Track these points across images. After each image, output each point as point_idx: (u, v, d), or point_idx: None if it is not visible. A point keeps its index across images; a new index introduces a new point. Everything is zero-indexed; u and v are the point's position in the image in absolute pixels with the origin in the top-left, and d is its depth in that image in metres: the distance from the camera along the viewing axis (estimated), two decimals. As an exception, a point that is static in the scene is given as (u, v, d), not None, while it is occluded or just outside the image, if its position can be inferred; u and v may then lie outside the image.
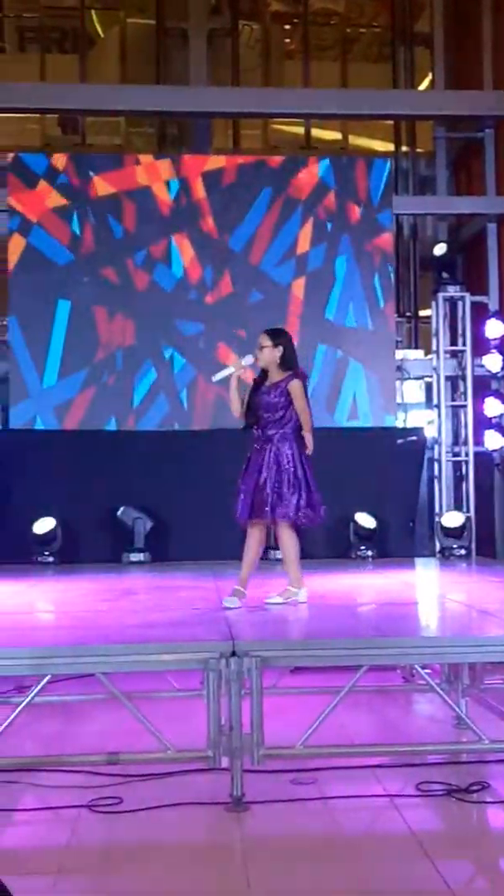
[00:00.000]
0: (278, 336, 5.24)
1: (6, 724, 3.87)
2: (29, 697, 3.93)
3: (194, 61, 10.77)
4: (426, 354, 9.91)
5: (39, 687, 3.89)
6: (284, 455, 5.11)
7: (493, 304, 9.75)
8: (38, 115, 11.10)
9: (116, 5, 11.64)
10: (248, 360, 5.21)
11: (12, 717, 3.88)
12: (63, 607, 5.52)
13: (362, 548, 8.44)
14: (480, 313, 9.53)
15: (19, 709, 3.91)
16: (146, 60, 11.23)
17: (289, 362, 5.21)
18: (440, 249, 9.30)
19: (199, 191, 9.31)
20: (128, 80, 11.35)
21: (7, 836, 3.68)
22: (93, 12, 11.69)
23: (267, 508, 5.08)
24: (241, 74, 11.25)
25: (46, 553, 8.20)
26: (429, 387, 9.73)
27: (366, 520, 8.48)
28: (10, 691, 5.23)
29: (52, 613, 5.34)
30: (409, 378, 9.77)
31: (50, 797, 3.89)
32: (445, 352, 9.37)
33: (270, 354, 5.17)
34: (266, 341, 5.20)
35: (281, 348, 5.18)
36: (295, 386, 5.14)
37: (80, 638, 4.17)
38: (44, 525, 8.20)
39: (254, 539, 5.23)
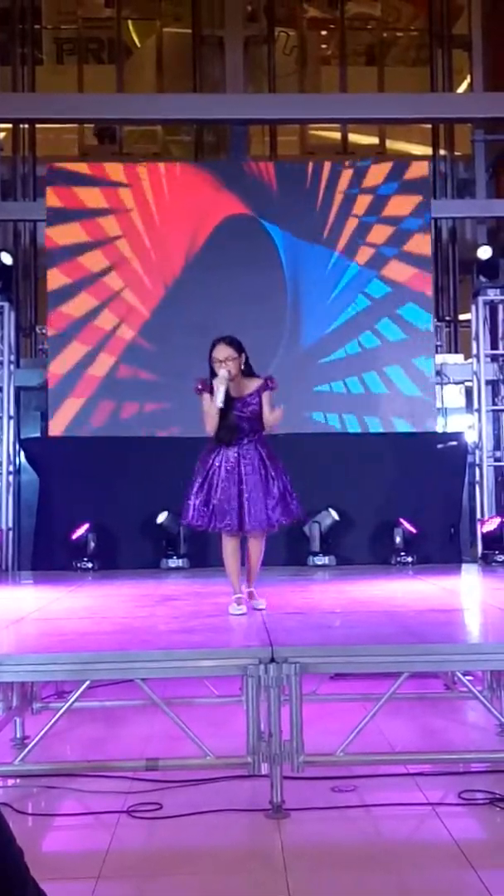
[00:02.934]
0: (238, 344, 5.05)
1: (46, 729, 3.89)
2: (69, 703, 3.95)
3: (231, 69, 10.82)
4: (466, 358, 9.83)
5: (79, 692, 3.90)
6: (273, 460, 5.08)
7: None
8: (75, 125, 11.21)
9: (152, 15, 11.74)
10: (225, 374, 4.92)
11: (52, 722, 3.90)
12: (102, 613, 5.53)
13: (402, 553, 8.37)
14: (521, 316, 9.44)
15: (59, 714, 3.92)
16: (183, 69, 11.30)
17: (250, 368, 5.10)
18: (485, 253, 9.17)
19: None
20: (165, 89, 11.45)
21: (47, 840, 3.69)
22: (129, 22, 11.79)
23: (279, 514, 5.03)
24: (278, 81, 11.28)
25: (85, 559, 8.24)
26: (469, 391, 9.66)
27: (406, 525, 8.42)
28: (50, 697, 5.27)
29: (91, 619, 5.35)
30: (449, 382, 9.70)
31: (90, 802, 3.90)
32: (486, 356, 9.28)
33: (237, 364, 4.98)
34: (233, 352, 4.97)
35: (244, 356, 5.03)
36: (268, 395, 5.03)
37: (119, 644, 4.18)
38: (84, 531, 8.25)
39: (237, 544, 5.16)
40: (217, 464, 5.04)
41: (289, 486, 5.09)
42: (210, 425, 5.00)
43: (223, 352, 4.96)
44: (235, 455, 5.02)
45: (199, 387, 5.08)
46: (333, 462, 8.65)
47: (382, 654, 3.86)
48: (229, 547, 5.13)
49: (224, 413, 4.95)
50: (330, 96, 11.18)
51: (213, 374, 5.00)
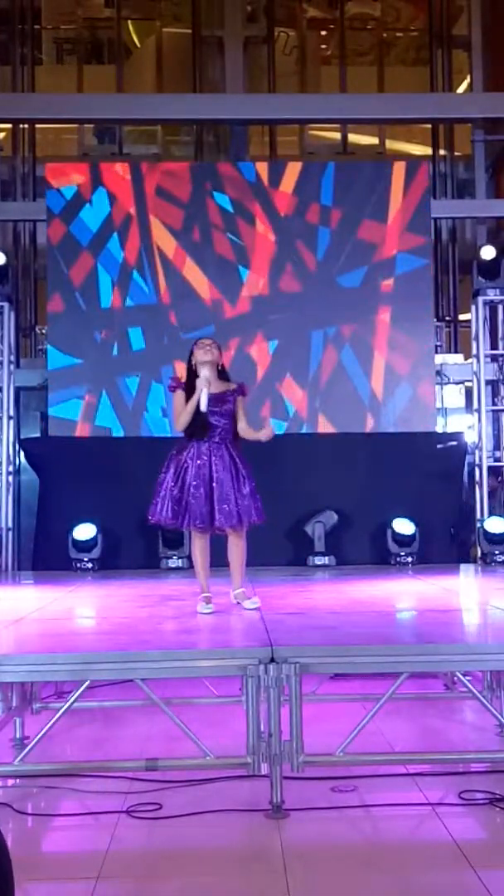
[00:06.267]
0: (219, 346, 5.19)
1: (46, 729, 3.90)
2: (68, 703, 3.95)
3: (230, 69, 10.83)
4: (466, 359, 9.83)
5: (79, 693, 3.91)
6: (243, 461, 5.09)
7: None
8: (75, 126, 11.22)
9: (152, 15, 11.75)
10: (206, 371, 5.02)
11: (52, 722, 3.90)
12: (102, 613, 5.54)
13: (402, 553, 8.37)
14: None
15: (59, 714, 3.93)
16: (182, 69, 11.30)
17: (226, 370, 5.22)
18: (489, 253, 9.13)
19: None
20: (164, 89, 11.46)
21: (48, 841, 3.69)
22: (129, 23, 11.81)
23: (251, 514, 5.02)
24: (278, 81, 11.28)
25: (86, 559, 8.23)
26: (469, 391, 9.65)
27: (405, 525, 8.42)
28: (49, 697, 5.27)
29: (91, 619, 5.36)
30: (449, 382, 9.70)
31: (90, 802, 3.90)
32: (486, 356, 9.28)
33: (217, 365, 5.11)
34: (216, 353, 5.11)
35: (222, 357, 5.19)
36: (242, 403, 5.14)
37: (119, 644, 4.18)
38: (84, 532, 8.23)
39: (206, 542, 5.17)
40: (188, 461, 5.05)
41: (254, 489, 5.09)
42: (182, 423, 5.05)
43: (210, 347, 5.10)
44: (207, 451, 5.04)
45: (173, 384, 5.17)
46: (333, 462, 8.65)
47: (382, 654, 3.86)
48: (198, 545, 5.17)
49: (198, 408, 4.99)
50: (330, 96, 11.18)
51: (192, 373, 5.09)
